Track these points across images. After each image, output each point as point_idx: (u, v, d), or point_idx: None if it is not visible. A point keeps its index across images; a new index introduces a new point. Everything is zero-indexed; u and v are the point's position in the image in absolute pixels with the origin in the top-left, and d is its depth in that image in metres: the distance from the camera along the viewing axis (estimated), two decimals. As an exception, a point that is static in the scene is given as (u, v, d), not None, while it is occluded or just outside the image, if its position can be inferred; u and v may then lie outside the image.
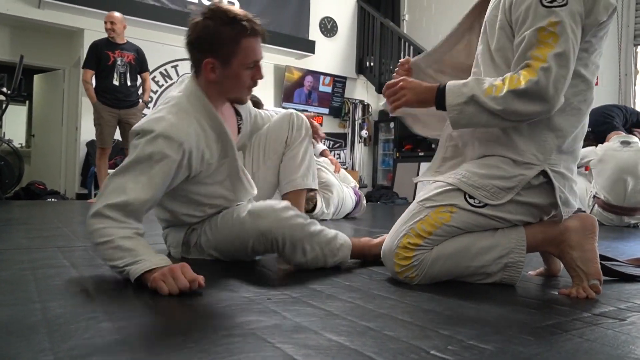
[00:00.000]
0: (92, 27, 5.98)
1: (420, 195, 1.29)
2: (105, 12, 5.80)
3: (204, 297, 1.05)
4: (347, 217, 3.59)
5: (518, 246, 1.21)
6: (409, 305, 1.03)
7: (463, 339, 0.80)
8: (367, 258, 1.54)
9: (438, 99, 1.19)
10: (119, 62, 4.40)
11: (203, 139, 1.32)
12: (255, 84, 1.40)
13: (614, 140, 3.43)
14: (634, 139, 3.39)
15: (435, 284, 1.24)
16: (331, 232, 1.44)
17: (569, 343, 0.81)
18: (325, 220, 3.40)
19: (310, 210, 3.23)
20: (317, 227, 1.41)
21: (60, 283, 1.15)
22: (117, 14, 4.52)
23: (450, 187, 1.23)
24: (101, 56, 4.35)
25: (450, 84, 1.18)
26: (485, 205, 1.20)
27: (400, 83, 1.26)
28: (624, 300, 1.12)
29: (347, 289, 1.17)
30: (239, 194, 1.47)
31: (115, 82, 4.40)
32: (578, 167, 3.59)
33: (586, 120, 1.24)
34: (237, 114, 1.58)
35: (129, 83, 4.47)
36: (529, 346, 0.78)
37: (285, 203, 1.39)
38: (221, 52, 1.31)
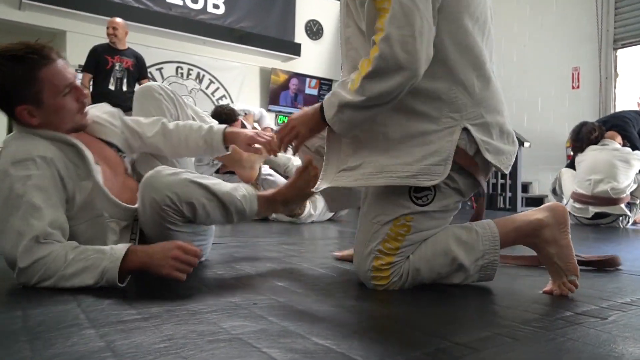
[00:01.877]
0: (74, 29, 5.91)
1: (367, 210, 1.24)
2: (88, 14, 5.78)
3: (190, 301, 1.04)
4: (333, 219, 3.60)
5: (492, 248, 1.21)
6: (395, 308, 1.04)
7: (447, 340, 0.80)
8: (277, 208, 1.51)
9: (322, 117, 1.18)
10: (116, 67, 4.45)
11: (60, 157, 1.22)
12: (83, 105, 1.30)
13: (601, 142, 3.63)
14: (614, 144, 3.57)
15: (422, 286, 1.25)
16: (227, 184, 1.37)
17: (551, 342, 0.82)
18: (312, 222, 3.40)
19: (298, 214, 3.25)
20: (207, 179, 1.31)
21: (42, 290, 1.13)
22: (119, 20, 4.56)
23: (391, 191, 1.19)
24: (99, 60, 4.40)
25: (325, 98, 1.18)
26: (433, 198, 1.18)
27: (290, 122, 1.27)
28: (606, 299, 1.14)
29: (333, 293, 1.17)
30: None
31: (111, 87, 4.45)
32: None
33: (486, 58, 1.17)
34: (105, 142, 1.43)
35: (124, 88, 4.51)
36: (512, 345, 0.79)
37: (164, 167, 1.29)
38: (28, 95, 1.19)
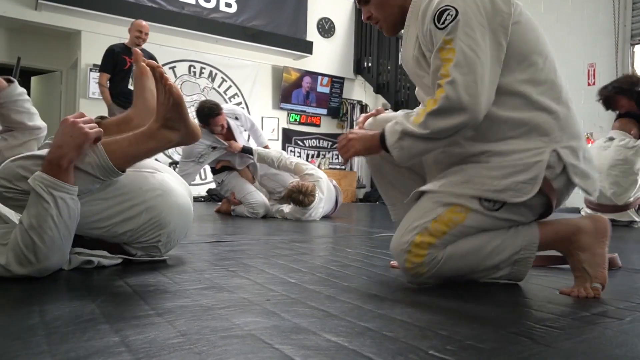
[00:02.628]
0: (89, 29, 5.99)
1: (433, 185, 1.25)
2: (103, 14, 5.84)
3: (203, 297, 1.05)
4: (326, 217, 3.62)
5: (530, 244, 1.21)
6: (407, 305, 1.03)
7: (461, 339, 0.80)
8: (151, 143, 1.29)
9: (382, 142, 1.23)
10: (134, 68, 4.44)
11: None
12: None
13: (602, 139, 3.44)
14: (623, 136, 3.33)
15: (434, 284, 1.24)
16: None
17: (567, 342, 0.81)
18: (318, 219, 3.41)
19: (308, 203, 3.30)
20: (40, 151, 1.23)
21: (58, 285, 1.15)
22: (146, 24, 4.65)
23: (466, 181, 1.21)
24: (118, 61, 4.49)
25: (388, 125, 1.23)
26: (502, 206, 1.19)
27: (349, 135, 1.33)
28: (623, 300, 1.12)
29: (345, 290, 1.17)
30: None
31: (130, 87, 4.54)
32: None
33: (562, 87, 1.24)
34: None
35: None
36: (528, 346, 0.78)
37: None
38: None
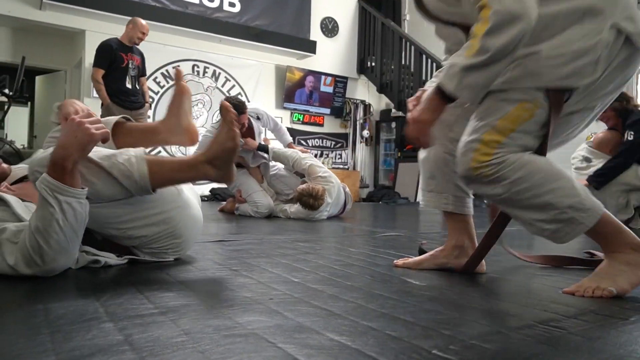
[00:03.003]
0: (94, 29, 6.00)
1: (495, 84, 1.19)
2: (107, 14, 5.85)
3: (206, 296, 1.05)
4: (339, 216, 3.62)
5: (593, 211, 1.14)
6: (410, 305, 1.03)
7: (465, 338, 0.80)
8: (200, 170, 1.30)
9: (442, 97, 1.18)
10: (130, 65, 4.48)
11: None
12: None
13: (579, 157, 3.46)
14: (596, 156, 3.36)
15: (437, 283, 1.24)
16: (106, 150, 1.28)
17: (571, 342, 0.80)
18: (323, 219, 3.41)
19: (317, 207, 3.30)
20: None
21: (62, 284, 1.16)
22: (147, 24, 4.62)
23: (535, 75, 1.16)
24: (115, 58, 4.37)
25: (441, 76, 1.18)
26: (570, 96, 1.15)
27: (410, 119, 1.25)
28: (627, 300, 1.12)
29: (348, 289, 1.17)
30: None
31: (128, 85, 4.50)
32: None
33: None
34: None
35: (137, 86, 4.60)
36: (531, 345, 0.78)
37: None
38: None
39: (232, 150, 1.30)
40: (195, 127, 1.59)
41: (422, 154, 1.49)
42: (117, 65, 4.37)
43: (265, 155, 3.72)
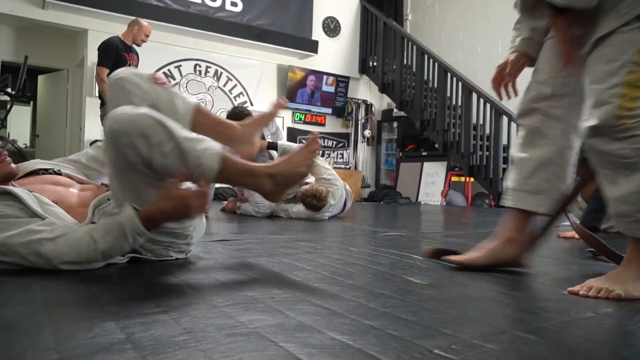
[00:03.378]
0: (96, 28, 6.01)
1: (610, 25, 1.11)
2: (109, 13, 5.86)
3: (208, 295, 1.05)
4: (333, 216, 3.61)
5: None
6: (412, 304, 1.03)
7: (467, 338, 0.80)
8: (259, 181, 1.30)
9: (556, 10, 1.17)
10: (132, 65, 4.45)
11: None
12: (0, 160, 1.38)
13: None
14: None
15: (439, 282, 1.24)
16: (194, 134, 1.26)
17: (573, 342, 0.80)
18: (324, 219, 3.41)
19: (320, 208, 3.29)
20: (170, 121, 1.23)
21: (64, 283, 1.16)
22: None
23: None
24: (120, 57, 4.32)
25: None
26: None
27: (561, 52, 1.25)
28: (629, 301, 1.11)
29: (350, 288, 1.17)
30: None
31: None
32: None
33: None
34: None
35: None
36: (533, 345, 0.78)
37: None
38: None
39: (301, 176, 1.32)
40: (262, 145, 1.65)
41: (519, 154, 1.42)
42: (120, 65, 4.31)
43: (274, 153, 3.72)
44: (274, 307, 0.97)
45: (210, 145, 1.24)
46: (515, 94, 1.50)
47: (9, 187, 1.33)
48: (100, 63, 4.30)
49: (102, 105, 4.45)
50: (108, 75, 4.33)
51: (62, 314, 0.88)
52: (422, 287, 1.21)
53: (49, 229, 1.23)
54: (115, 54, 4.32)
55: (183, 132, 1.22)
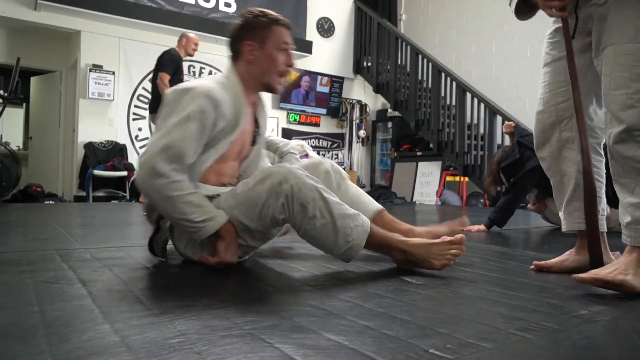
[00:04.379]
0: (89, 29, 5.99)
1: (622, 37, 1.16)
2: (102, 14, 5.84)
3: (202, 297, 1.05)
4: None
5: None
6: (407, 304, 1.03)
7: (462, 337, 0.80)
8: (393, 253, 1.40)
9: None
10: (183, 78, 4.68)
11: (229, 109, 1.42)
12: (287, 71, 1.54)
13: None
14: None
15: (434, 282, 1.24)
16: (349, 208, 1.35)
17: (567, 340, 0.81)
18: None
19: None
20: (333, 196, 1.33)
21: (58, 286, 1.15)
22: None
23: None
24: (179, 68, 4.59)
25: None
26: None
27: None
28: (619, 299, 1.12)
29: (345, 289, 1.17)
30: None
31: None
32: None
33: None
34: (257, 125, 1.61)
35: None
36: (528, 344, 0.78)
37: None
38: (258, 35, 1.50)
39: (430, 268, 1.35)
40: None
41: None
42: (177, 75, 4.57)
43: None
44: (270, 308, 0.97)
45: (362, 222, 1.34)
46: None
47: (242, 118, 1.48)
48: (163, 69, 4.53)
49: (154, 111, 4.57)
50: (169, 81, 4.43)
51: (55, 317, 0.88)
52: (417, 286, 1.21)
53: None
54: (176, 64, 4.58)
55: (341, 208, 1.32)
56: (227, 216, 1.34)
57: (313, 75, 7.61)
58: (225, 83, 1.47)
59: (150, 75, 6.40)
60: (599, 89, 1.26)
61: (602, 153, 1.42)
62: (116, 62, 6.21)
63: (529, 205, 3.15)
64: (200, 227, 1.31)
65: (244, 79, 1.50)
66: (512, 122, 3.09)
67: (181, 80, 4.62)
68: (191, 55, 4.71)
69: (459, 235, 1.37)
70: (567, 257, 1.46)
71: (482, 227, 2.73)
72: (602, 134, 1.38)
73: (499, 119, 5.84)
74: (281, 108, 7.49)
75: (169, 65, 4.52)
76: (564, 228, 1.45)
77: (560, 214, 1.46)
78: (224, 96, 1.39)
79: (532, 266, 1.47)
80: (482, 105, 6.04)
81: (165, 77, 4.49)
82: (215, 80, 1.46)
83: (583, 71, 1.34)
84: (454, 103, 6.38)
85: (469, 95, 6.18)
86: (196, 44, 4.70)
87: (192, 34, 4.77)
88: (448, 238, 1.36)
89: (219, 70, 7.00)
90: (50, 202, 5.40)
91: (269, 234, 1.48)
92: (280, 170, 1.32)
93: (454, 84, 6.34)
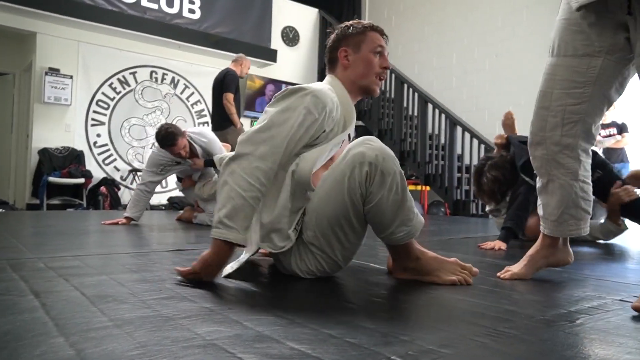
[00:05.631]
0: (45, 31, 5.79)
1: None
2: (59, 16, 5.66)
3: (163, 307, 1.02)
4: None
5: None
6: (370, 312, 1.05)
7: (423, 344, 0.81)
8: (405, 257, 1.42)
9: None
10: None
11: (338, 112, 1.44)
12: (383, 73, 1.55)
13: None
14: None
15: (398, 291, 1.26)
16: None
17: (522, 345, 0.84)
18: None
19: None
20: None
21: (8, 297, 1.10)
22: None
23: None
24: (238, 87, 4.79)
25: None
26: None
27: None
28: (573, 303, 1.17)
29: (309, 297, 1.17)
30: None
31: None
32: None
33: None
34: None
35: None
36: (485, 349, 0.80)
37: None
38: (353, 41, 1.55)
39: (439, 279, 1.38)
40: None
41: (540, 198, 1.44)
42: (238, 94, 4.77)
43: (212, 169, 3.61)
44: (232, 317, 0.96)
45: (419, 213, 1.39)
46: None
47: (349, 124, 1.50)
48: (228, 89, 4.67)
49: (220, 129, 4.60)
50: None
51: (6, 331, 0.84)
52: (381, 295, 1.23)
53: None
54: (237, 83, 4.79)
55: (408, 193, 1.34)
56: (241, 240, 1.28)
57: (277, 83, 7.61)
58: (332, 88, 1.48)
59: (111, 80, 6.24)
60: (608, 92, 1.25)
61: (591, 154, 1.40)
62: (74, 66, 6.02)
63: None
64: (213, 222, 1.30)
65: (344, 84, 1.53)
66: (503, 134, 3.04)
67: (239, 98, 4.89)
68: (242, 78, 5.00)
69: (471, 266, 1.44)
70: (532, 258, 1.46)
71: (497, 242, 2.35)
72: (596, 137, 1.38)
73: (459, 129, 6.00)
74: (245, 116, 7.44)
75: (232, 85, 4.77)
76: (552, 233, 1.42)
77: (540, 211, 1.44)
78: (333, 98, 1.42)
79: (502, 273, 1.49)
80: (443, 116, 6.19)
81: (231, 97, 4.74)
82: (324, 85, 1.48)
83: (604, 74, 1.26)
84: (416, 114, 6.52)
85: (430, 106, 6.33)
86: (249, 68, 5.06)
87: (248, 58, 5.06)
88: (460, 262, 1.43)
89: (182, 77, 6.91)
90: (1, 210, 5.15)
91: (362, 235, 1.45)
92: (363, 144, 1.31)
93: (416, 95, 6.48)
